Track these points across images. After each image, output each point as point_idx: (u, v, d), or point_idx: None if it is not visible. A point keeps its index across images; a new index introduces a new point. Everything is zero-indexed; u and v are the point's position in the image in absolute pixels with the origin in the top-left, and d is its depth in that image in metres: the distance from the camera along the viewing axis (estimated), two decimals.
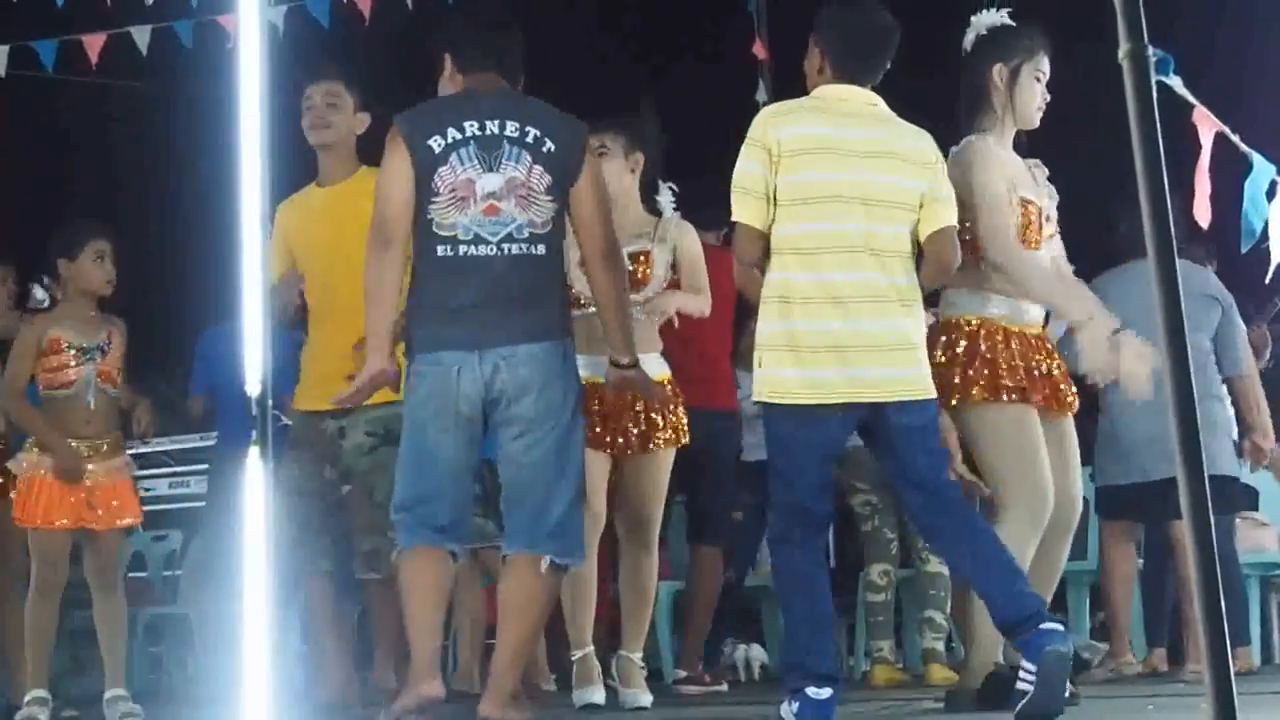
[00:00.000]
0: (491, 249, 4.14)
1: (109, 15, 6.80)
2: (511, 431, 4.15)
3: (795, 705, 3.99)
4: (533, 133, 4.18)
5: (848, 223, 4.03)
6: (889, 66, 4.24)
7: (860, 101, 4.17)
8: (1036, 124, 4.65)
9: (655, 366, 5.15)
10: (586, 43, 12.17)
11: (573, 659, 5.25)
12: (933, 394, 4.12)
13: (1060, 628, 3.89)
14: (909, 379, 4.05)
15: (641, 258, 5.26)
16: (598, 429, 5.11)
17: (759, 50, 8.81)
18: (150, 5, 6.63)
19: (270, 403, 2.60)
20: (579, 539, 4.26)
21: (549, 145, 4.18)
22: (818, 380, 4.00)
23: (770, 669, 7.39)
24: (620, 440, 5.20)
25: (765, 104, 9.65)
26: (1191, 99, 3.37)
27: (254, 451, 2.57)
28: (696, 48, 12.70)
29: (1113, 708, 4.56)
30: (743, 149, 4.13)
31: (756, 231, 4.09)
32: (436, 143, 4.19)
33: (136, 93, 11.22)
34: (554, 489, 4.16)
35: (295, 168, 5.04)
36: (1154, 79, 2.28)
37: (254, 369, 2.58)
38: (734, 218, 4.13)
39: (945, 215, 4.15)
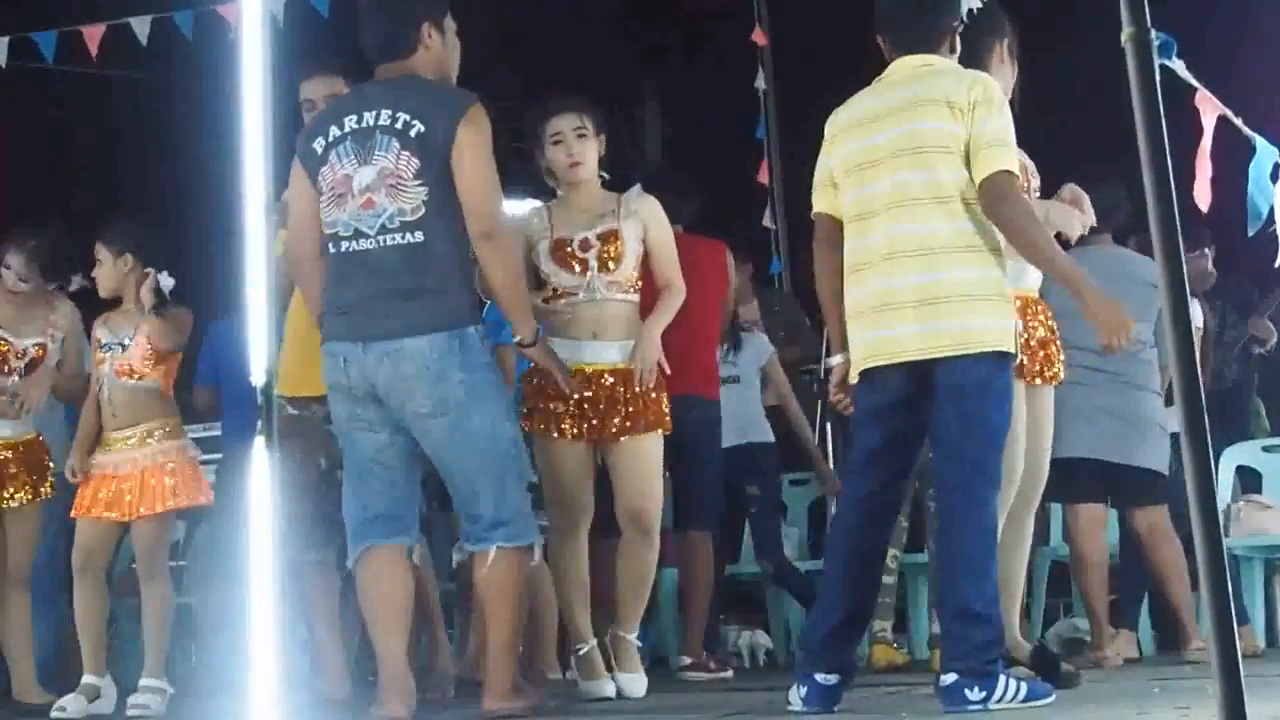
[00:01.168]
0: (370, 242, 4.11)
1: (108, 6, 6.80)
2: (417, 433, 4.15)
3: (803, 690, 4.00)
4: (402, 118, 4.12)
5: (870, 185, 4.06)
6: (954, 27, 4.21)
7: (909, 65, 4.15)
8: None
9: (615, 354, 5.06)
10: (586, 30, 12.15)
11: (577, 653, 5.23)
12: (988, 347, 3.92)
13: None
14: (950, 333, 3.91)
15: (610, 236, 5.10)
16: (575, 418, 5.02)
17: (759, 38, 8.80)
18: None
19: (275, 393, 2.60)
20: (526, 522, 4.23)
21: (417, 128, 4.11)
22: (865, 344, 4.03)
23: (776, 656, 7.40)
24: (601, 429, 5.05)
25: (764, 91, 9.76)
26: (1194, 82, 3.36)
27: (259, 441, 2.56)
28: (697, 35, 12.67)
29: (1118, 690, 4.56)
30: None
31: (824, 216, 4.19)
32: (319, 144, 4.20)
33: (137, 84, 11.20)
34: (480, 480, 4.13)
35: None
36: (1157, 62, 2.28)
37: (258, 359, 2.58)
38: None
39: (984, 165, 3.97)
